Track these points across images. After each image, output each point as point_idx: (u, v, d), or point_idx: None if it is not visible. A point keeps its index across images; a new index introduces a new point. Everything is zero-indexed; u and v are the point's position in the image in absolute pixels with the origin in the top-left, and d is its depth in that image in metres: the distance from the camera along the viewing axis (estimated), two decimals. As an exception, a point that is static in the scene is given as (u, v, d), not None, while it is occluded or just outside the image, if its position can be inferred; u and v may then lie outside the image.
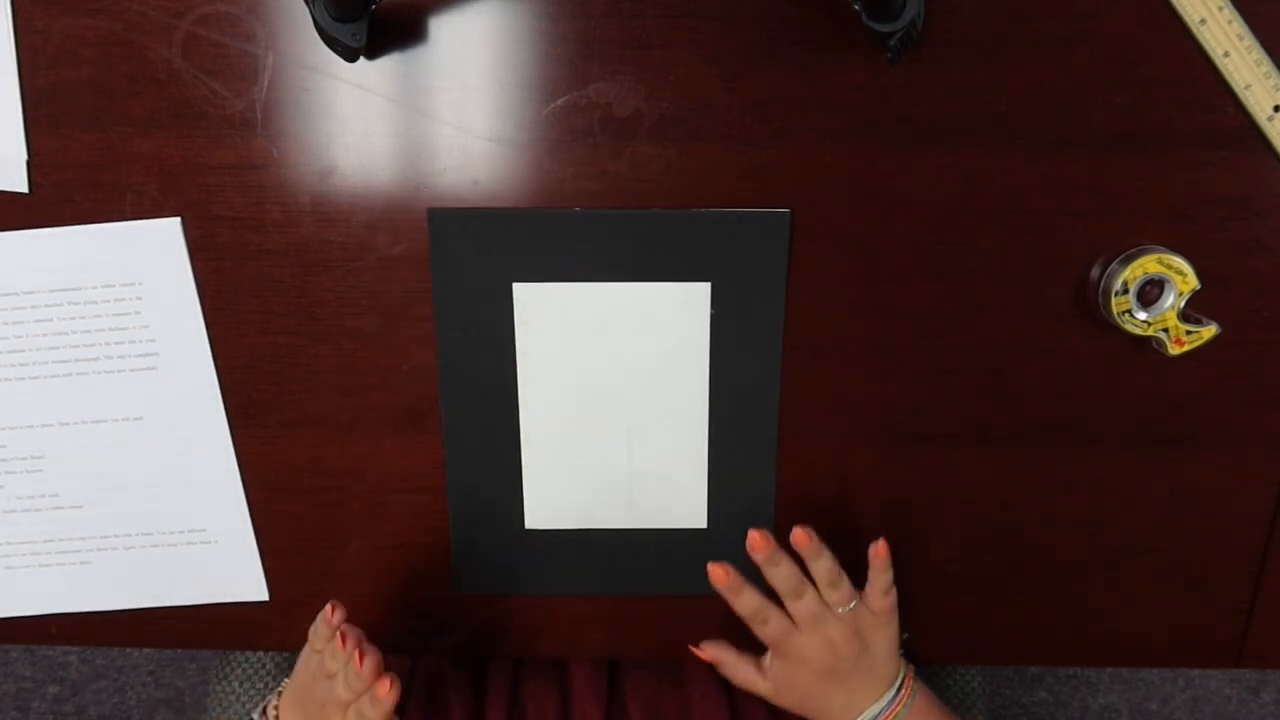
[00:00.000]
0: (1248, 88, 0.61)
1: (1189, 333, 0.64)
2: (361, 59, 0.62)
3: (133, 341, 0.67)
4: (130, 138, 0.63)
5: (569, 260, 0.65)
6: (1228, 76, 0.61)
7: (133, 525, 0.71)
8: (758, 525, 0.71)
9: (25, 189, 0.64)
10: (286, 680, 0.67)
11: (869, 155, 0.63)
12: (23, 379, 0.67)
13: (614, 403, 0.68)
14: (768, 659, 0.68)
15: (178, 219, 0.65)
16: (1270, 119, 0.62)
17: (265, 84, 0.62)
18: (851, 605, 0.65)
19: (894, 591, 0.66)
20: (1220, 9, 0.60)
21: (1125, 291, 0.63)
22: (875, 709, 0.66)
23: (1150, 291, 0.64)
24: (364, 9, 0.55)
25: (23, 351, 0.67)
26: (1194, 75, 0.62)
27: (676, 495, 0.70)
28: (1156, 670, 1.54)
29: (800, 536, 0.64)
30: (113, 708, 1.52)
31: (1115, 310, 0.64)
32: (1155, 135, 0.63)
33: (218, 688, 0.89)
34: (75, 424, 0.69)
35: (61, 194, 0.64)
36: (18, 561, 0.72)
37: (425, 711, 0.74)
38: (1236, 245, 0.65)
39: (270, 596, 0.73)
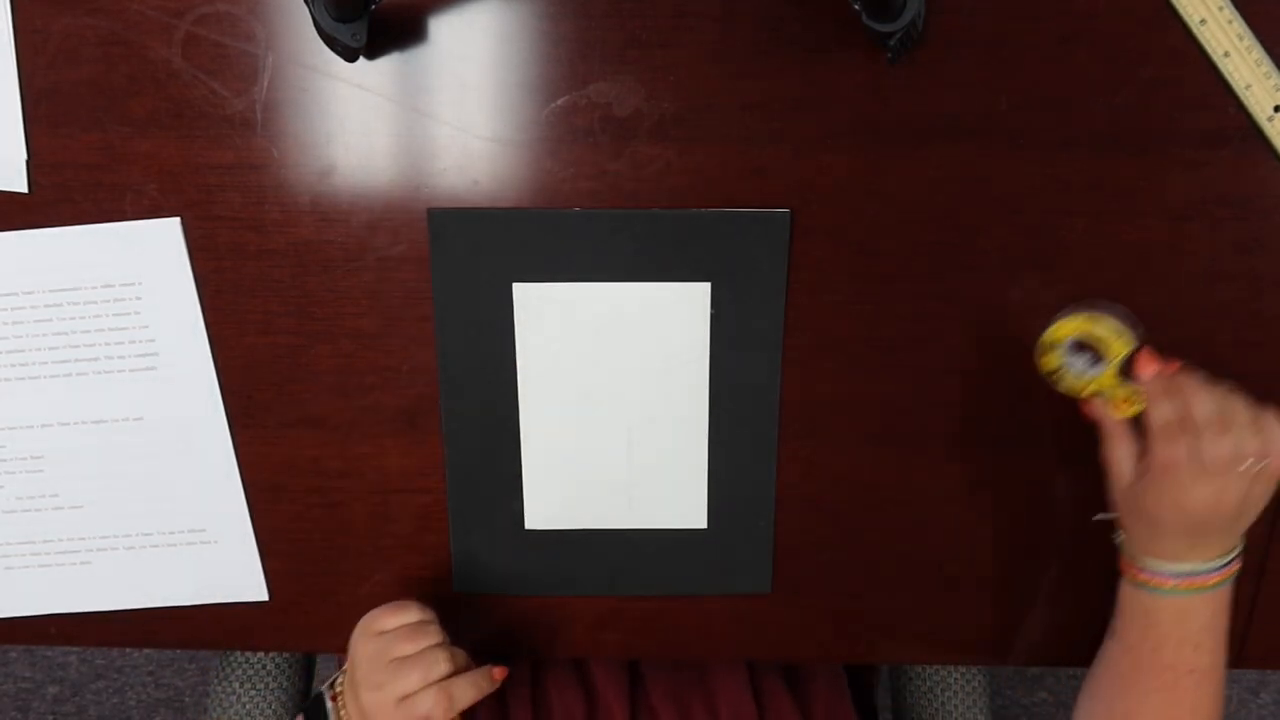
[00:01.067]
0: (1248, 88, 0.61)
1: (1132, 395, 0.61)
2: (361, 59, 0.62)
3: (132, 342, 0.67)
4: (130, 138, 0.63)
5: (569, 260, 0.65)
6: (1228, 76, 0.61)
7: (133, 525, 0.71)
8: (757, 525, 0.71)
9: (25, 189, 0.64)
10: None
11: (869, 155, 0.63)
12: (22, 379, 0.67)
13: (614, 403, 0.68)
14: (1144, 464, 0.60)
15: (177, 219, 0.65)
16: (1270, 119, 0.62)
17: (265, 84, 0.62)
18: (1265, 463, 0.58)
19: None
20: (1220, 9, 0.60)
21: (1054, 349, 0.62)
22: (1204, 566, 0.61)
23: (1087, 349, 0.62)
24: (364, 9, 0.55)
25: (23, 351, 0.67)
26: (1194, 75, 0.62)
27: (676, 495, 0.70)
28: (1156, 670, 1.54)
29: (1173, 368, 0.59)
30: (112, 708, 1.52)
31: (1043, 371, 0.63)
32: (1155, 135, 0.63)
33: (218, 688, 0.89)
34: (75, 424, 0.69)
35: (61, 194, 0.64)
36: (17, 562, 0.72)
37: None
38: (1236, 245, 0.65)
39: (270, 596, 0.73)
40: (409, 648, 0.63)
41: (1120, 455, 0.62)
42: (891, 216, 0.64)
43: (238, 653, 0.89)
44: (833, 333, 0.67)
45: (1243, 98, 0.62)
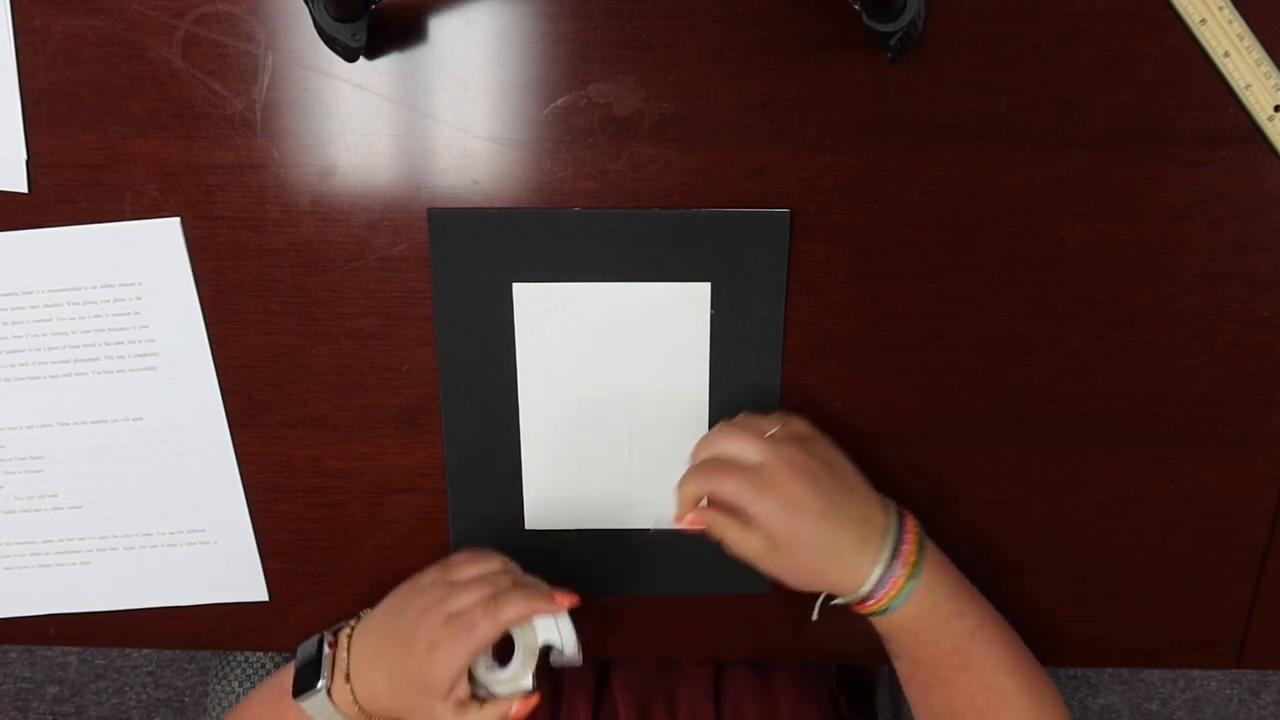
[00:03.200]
0: (1248, 88, 0.61)
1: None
2: (361, 59, 0.62)
3: (132, 342, 0.67)
4: (130, 138, 0.63)
5: (569, 260, 0.65)
6: (1228, 76, 0.61)
7: (132, 525, 0.71)
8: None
9: (25, 189, 0.64)
10: (365, 612, 0.66)
11: (869, 155, 0.63)
12: (22, 379, 0.67)
13: (614, 403, 0.68)
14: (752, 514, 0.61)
15: (177, 219, 0.65)
16: (1270, 119, 0.62)
17: (265, 84, 0.62)
18: (774, 430, 0.61)
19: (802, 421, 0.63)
20: (1220, 9, 0.60)
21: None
22: (887, 549, 0.60)
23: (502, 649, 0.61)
24: (364, 9, 0.55)
25: (22, 351, 0.67)
26: (1194, 75, 0.62)
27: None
28: (1157, 670, 1.54)
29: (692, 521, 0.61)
30: (112, 708, 1.52)
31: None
32: (1155, 135, 0.63)
33: (217, 688, 0.89)
34: (75, 424, 0.69)
35: (61, 194, 0.64)
36: (17, 562, 0.72)
37: None
38: (1236, 245, 0.65)
39: (270, 596, 0.73)
40: (472, 571, 0.62)
41: (732, 528, 0.61)
42: (891, 216, 0.64)
43: (237, 653, 0.89)
44: (833, 333, 0.67)
45: (1243, 98, 0.62)
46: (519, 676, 0.61)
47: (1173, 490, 0.70)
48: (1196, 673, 1.54)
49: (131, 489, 0.70)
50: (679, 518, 0.62)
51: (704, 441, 0.63)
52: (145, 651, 1.53)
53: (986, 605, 0.64)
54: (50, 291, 0.66)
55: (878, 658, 0.75)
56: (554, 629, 0.61)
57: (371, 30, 0.57)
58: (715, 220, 0.64)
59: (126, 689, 1.53)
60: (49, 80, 0.62)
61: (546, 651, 0.62)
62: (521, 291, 0.66)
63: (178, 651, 1.52)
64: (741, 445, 0.61)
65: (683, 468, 0.64)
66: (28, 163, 0.63)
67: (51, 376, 0.67)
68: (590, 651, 0.75)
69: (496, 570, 0.63)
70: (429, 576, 0.64)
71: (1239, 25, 0.60)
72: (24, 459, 0.69)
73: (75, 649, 1.53)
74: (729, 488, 0.60)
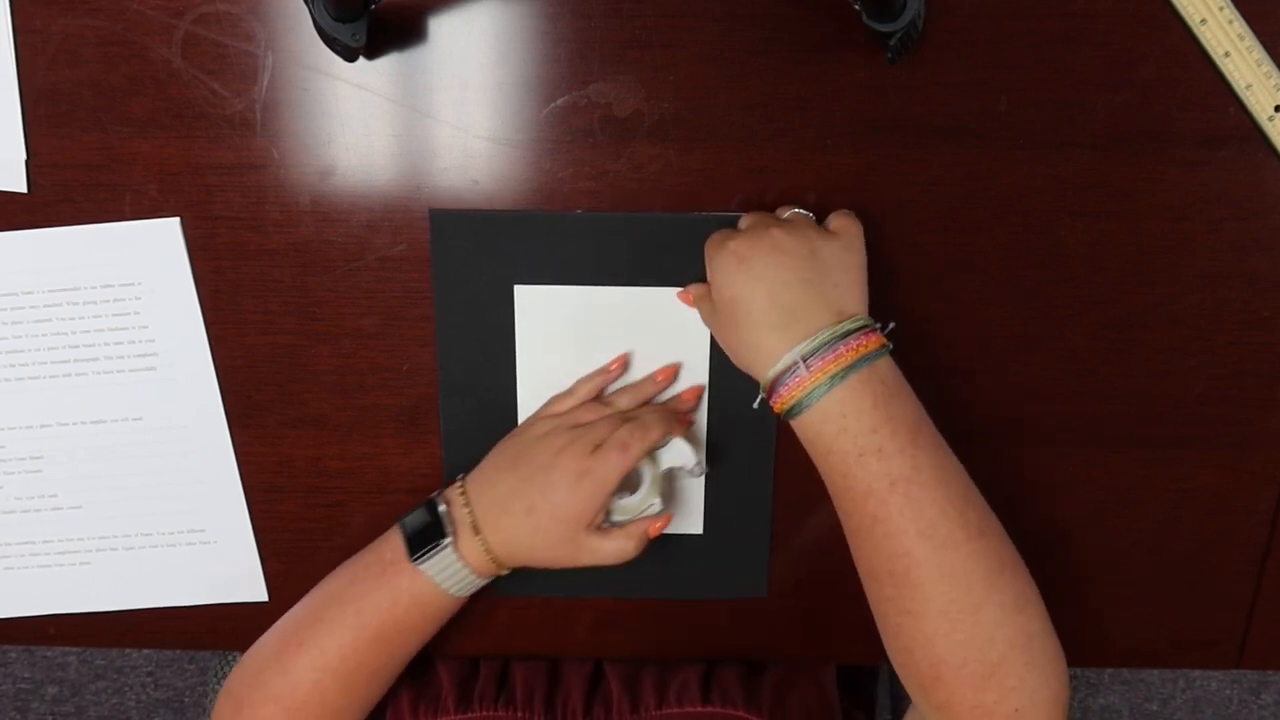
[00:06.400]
0: (1248, 88, 0.61)
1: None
2: (361, 59, 0.62)
3: (132, 342, 0.67)
4: (130, 138, 0.63)
5: (570, 263, 0.65)
6: (1228, 76, 0.61)
7: (132, 525, 0.71)
8: (754, 530, 0.71)
9: (25, 189, 0.64)
10: (460, 476, 0.66)
11: (869, 155, 0.63)
12: (22, 379, 0.67)
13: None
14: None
15: (177, 219, 0.65)
16: (1270, 119, 0.62)
17: (265, 84, 0.62)
18: (791, 211, 0.61)
19: (855, 220, 0.60)
20: (1220, 9, 0.60)
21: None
22: (810, 344, 0.55)
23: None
24: (364, 9, 0.55)
25: (22, 352, 0.67)
26: (1194, 75, 0.62)
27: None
28: (1157, 670, 1.54)
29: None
30: (112, 708, 1.52)
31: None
32: (1155, 135, 0.63)
33: (217, 688, 0.88)
34: (75, 424, 0.69)
35: (61, 194, 0.64)
36: (17, 562, 0.72)
37: (414, 685, 0.74)
38: (1235, 245, 0.65)
39: (270, 597, 0.73)
40: (591, 415, 0.64)
41: (698, 293, 0.63)
42: (891, 216, 0.64)
43: (237, 653, 0.89)
44: (833, 333, 0.67)
45: (1243, 98, 0.62)
46: (647, 499, 0.64)
47: (1173, 490, 0.70)
48: (1197, 673, 1.54)
49: (131, 489, 0.70)
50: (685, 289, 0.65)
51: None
52: (145, 652, 1.53)
53: (940, 464, 0.56)
54: (50, 291, 0.66)
55: (878, 657, 0.75)
56: (678, 450, 0.64)
57: (371, 30, 0.57)
58: (714, 223, 0.64)
59: (126, 689, 1.53)
60: (49, 80, 0.62)
61: (668, 475, 0.65)
62: (523, 294, 0.66)
63: (177, 652, 1.52)
64: (753, 217, 0.61)
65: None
66: (27, 163, 0.63)
67: (51, 376, 0.67)
68: (587, 650, 0.75)
69: (612, 411, 0.65)
70: (543, 426, 0.65)
71: (1239, 25, 0.60)
72: (24, 459, 0.69)
73: (75, 649, 1.53)
74: (708, 250, 0.60)
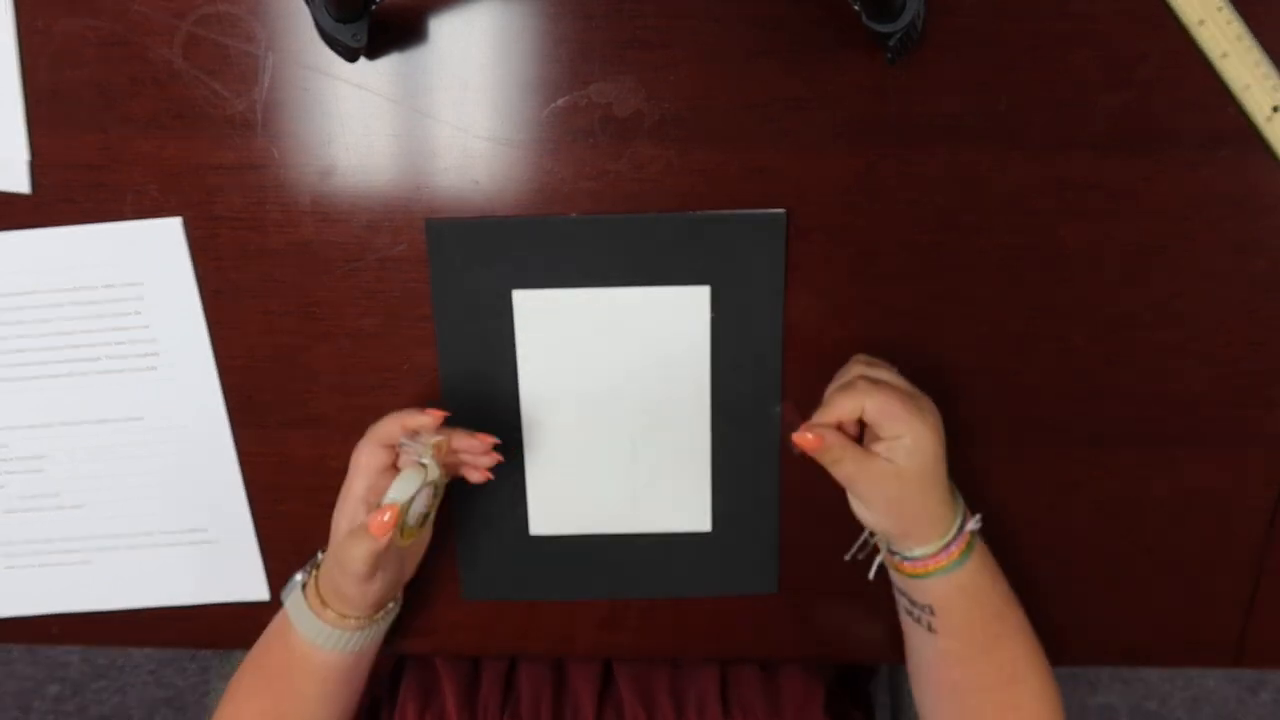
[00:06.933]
0: (1246, 88, 0.61)
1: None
2: (361, 59, 0.62)
3: (134, 341, 0.67)
4: (131, 138, 0.63)
5: (568, 266, 0.65)
6: (1226, 77, 0.61)
7: (134, 525, 0.71)
8: (762, 528, 0.71)
9: (27, 189, 0.64)
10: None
11: (868, 155, 0.63)
12: (24, 379, 0.68)
13: (616, 408, 0.68)
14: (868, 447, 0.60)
15: (178, 219, 0.65)
16: (1269, 119, 0.62)
17: (265, 84, 0.62)
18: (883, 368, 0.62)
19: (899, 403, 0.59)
20: (1219, 9, 0.60)
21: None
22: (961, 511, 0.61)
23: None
24: (364, 9, 0.55)
25: (24, 351, 0.67)
26: (1193, 75, 0.62)
27: (680, 499, 0.70)
28: (1156, 670, 1.54)
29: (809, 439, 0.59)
30: (113, 707, 1.53)
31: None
32: (1155, 135, 0.63)
33: (218, 687, 0.89)
34: (76, 424, 0.69)
35: (63, 194, 0.64)
36: (19, 561, 0.72)
37: (418, 695, 0.74)
38: (1236, 245, 0.65)
39: (270, 596, 0.74)
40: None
41: (857, 458, 0.59)
42: (891, 216, 0.65)
43: (238, 652, 0.89)
44: (833, 333, 0.67)
45: (1241, 98, 0.62)
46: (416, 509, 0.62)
47: (1172, 490, 0.70)
48: (1195, 671, 1.54)
49: (133, 488, 0.70)
50: (804, 430, 0.58)
51: (856, 362, 0.63)
52: (147, 650, 1.53)
53: (1017, 623, 0.65)
54: (52, 291, 0.66)
55: (878, 657, 0.75)
56: (408, 483, 0.60)
57: (372, 30, 0.57)
58: (712, 223, 0.64)
59: (128, 688, 1.53)
60: (51, 80, 0.62)
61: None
62: (521, 298, 0.66)
63: (179, 650, 1.52)
64: (896, 377, 0.61)
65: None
66: (30, 163, 0.63)
67: (53, 376, 0.67)
68: (594, 651, 0.75)
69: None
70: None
71: (1237, 26, 0.60)
72: (26, 459, 0.69)
73: (77, 648, 1.53)
74: (894, 408, 0.58)
